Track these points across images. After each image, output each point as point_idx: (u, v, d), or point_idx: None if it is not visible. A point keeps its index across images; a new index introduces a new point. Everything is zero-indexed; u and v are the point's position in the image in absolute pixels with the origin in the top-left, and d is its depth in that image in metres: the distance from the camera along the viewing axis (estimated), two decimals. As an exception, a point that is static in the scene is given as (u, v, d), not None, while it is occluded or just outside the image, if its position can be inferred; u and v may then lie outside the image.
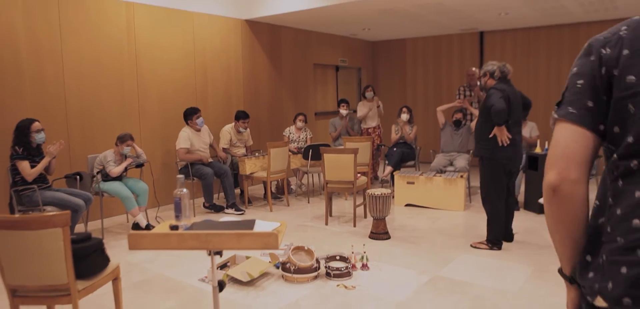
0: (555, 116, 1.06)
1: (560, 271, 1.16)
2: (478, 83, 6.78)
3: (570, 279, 1.11)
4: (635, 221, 0.96)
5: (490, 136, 4.22)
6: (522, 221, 5.30)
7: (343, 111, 7.38)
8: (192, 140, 5.94)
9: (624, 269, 0.96)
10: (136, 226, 5.14)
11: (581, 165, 1.01)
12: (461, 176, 5.90)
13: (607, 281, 0.98)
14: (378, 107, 7.73)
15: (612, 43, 1.02)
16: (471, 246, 4.49)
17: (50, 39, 5.25)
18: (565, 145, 1.02)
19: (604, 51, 1.02)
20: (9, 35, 4.93)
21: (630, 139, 0.98)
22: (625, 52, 0.99)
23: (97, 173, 5.12)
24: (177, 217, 2.12)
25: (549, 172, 1.03)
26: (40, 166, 4.47)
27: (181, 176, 2.20)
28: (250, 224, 2.01)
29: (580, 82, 1.04)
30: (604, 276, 0.99)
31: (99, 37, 5.68)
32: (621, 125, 0.99)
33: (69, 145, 5.44)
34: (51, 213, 2.42)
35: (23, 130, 4.48)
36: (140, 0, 6.04)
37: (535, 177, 5.58)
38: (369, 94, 7.67)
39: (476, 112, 6.35)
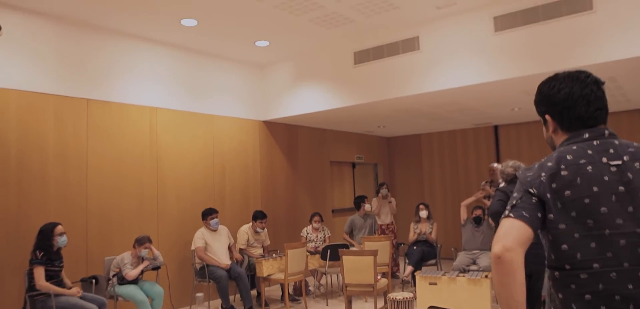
0: (511, 215, 1.42)
1: None
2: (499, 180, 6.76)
3: None
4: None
5: None
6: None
7: (368, 206, 7.45)
8: (206, 239, 5.94)
9: None
10: (150, 333, 4.98)
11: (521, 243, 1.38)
12: (486, 276, 5.67)
13: None
14: (390, 202, 7.72)
15: (536, 184, 1.45)
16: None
17: (76, 143, 5.43)
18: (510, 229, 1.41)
19: (531, 190, 1.45)
20: (38, 141, 5.12)
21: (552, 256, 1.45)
22: (548, 196, 1.44)
23: (113, 276, 5.06)
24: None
25: (494, 246, 1.37)
26: (52, 288, 4.44)
27: (200, 294, 2.14)
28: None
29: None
30: None
31: (123, 140, 5.86)
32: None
33: (86, 247, 5.44)
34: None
35: (46, 234, 4.52)
36: (163, 105, 6.29)
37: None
38: (384, 191, 7.70)
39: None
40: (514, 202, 1.44)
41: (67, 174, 5.34)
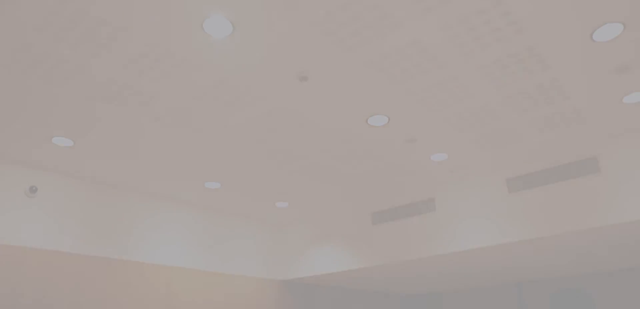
0: None
1: None
2: None
3: None
4: None
5: None
6: None
7: None
8: None
9: None
10: None
11: None
12: None
13: None
14: None
15: None
16: None
17: (91, 304, 5.42)
18: None
19: None
20: (54, 299, 5.12)
21: None
22: None
23: None
24: None
25: None
26: None
27: None
28: None
29: None
30: None
31: (138, 301, 5.84)
32: None
33: None
34: None
35: None
36: (181, 264, 6.36)
37: None
38: None
39: None
40: None
41: (82, 337, 5.26)
